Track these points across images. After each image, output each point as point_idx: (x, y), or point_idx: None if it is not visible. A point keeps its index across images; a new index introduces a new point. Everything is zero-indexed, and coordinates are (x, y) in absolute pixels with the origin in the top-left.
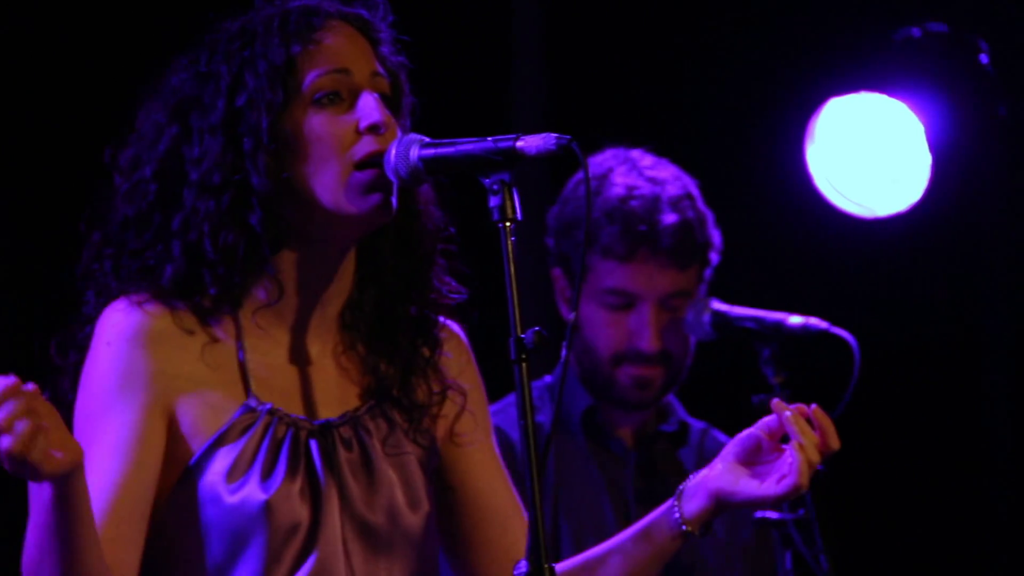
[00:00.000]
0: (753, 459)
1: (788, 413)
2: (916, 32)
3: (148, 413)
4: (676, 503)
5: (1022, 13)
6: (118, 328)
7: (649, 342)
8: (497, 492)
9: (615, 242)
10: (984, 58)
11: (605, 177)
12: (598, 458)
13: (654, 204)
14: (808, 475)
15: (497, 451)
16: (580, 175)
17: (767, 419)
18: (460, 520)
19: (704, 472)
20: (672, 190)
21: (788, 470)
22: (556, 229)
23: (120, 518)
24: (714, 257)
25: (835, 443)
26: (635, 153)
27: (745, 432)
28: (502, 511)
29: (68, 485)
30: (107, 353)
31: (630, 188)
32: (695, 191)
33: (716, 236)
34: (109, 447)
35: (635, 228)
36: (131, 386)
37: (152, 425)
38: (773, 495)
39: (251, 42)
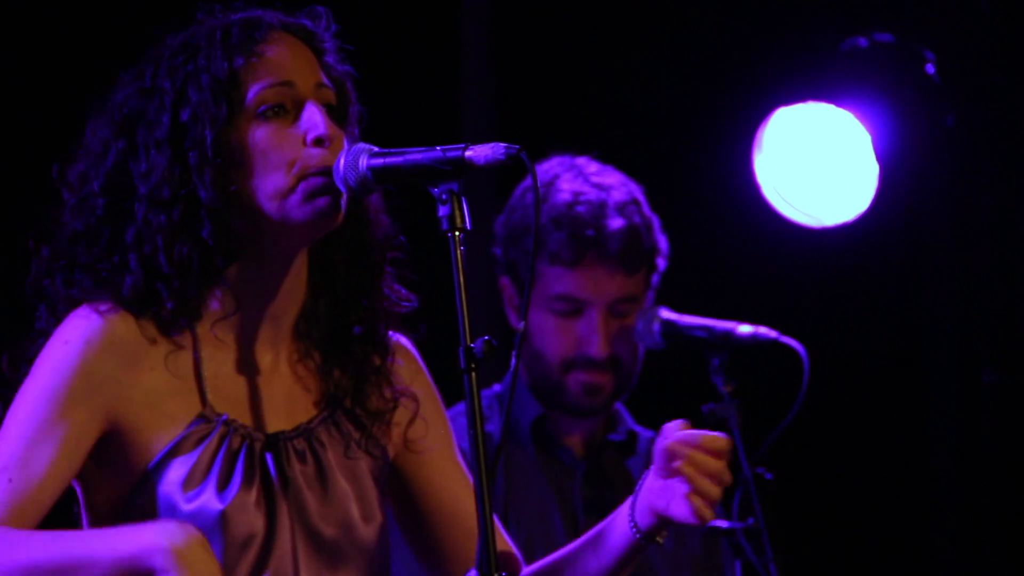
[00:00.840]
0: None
1: (676, 463)
2: (863, 42)
3: (93, 417)
4: (631, 515)
5: (968, 23)
6: (79, 331)
7: (598, 348)
8: (460, 497)
9: (562, 248)
10: (930, 68)
11: (551, 184)
12: (547, 468)
13: (600, 209)
14: (705, 508)
15: (459, 456)
16: (527, 183)
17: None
18: (427, 528)
19: (645, 484)
20: (618, 195)
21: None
22: (504, 237)
23: (23, 510)
24: (661, 263)
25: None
26: (581, 160)
27: (659, 445)
28: (467, 515)
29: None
30: (63, 351)
31: (576, 194)
32: (641, 197)
33: (663, 242)
34: (48, 439)
35: (582, 233)
36: (83, 387)
37: (87, 431)
38: (691, 521)
39: (194, 56)
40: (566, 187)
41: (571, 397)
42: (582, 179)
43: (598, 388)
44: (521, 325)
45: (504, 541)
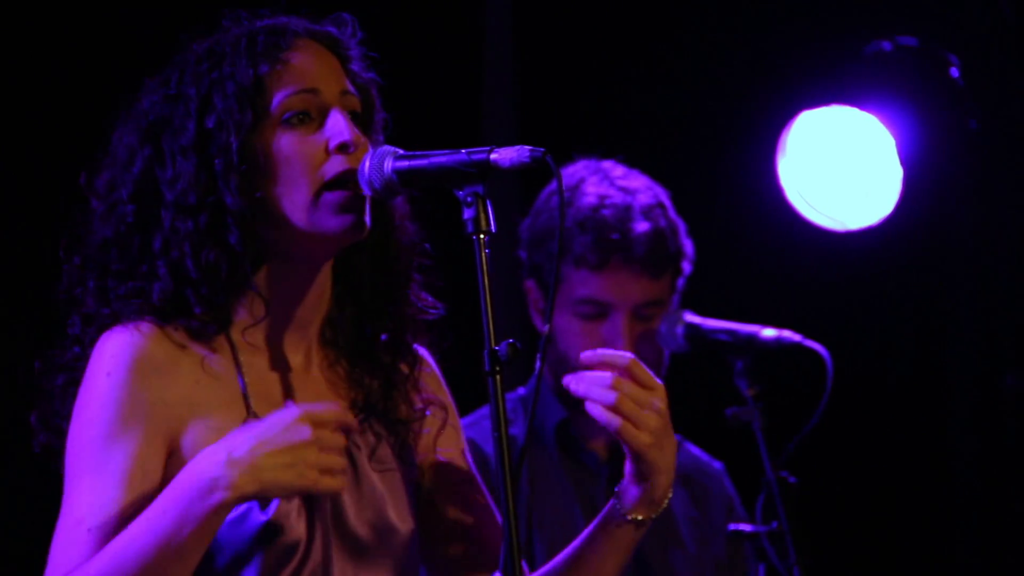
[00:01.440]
0: None
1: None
2: (887, 46)
3: (150, 443)
4: (616, 502)
5: (991, 27)
6: (118, 358)
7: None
8: (473, 507)
9: (587, 251)
10: (954, 72)
11: (577, 187)
12: (571, 471)
13: (626, 213)
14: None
15: (472, 466)
16: (552, 187)
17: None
18: (438, 536)
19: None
20: (644, 199)
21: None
22: (529, 241)
23: None
24: (686, 267)
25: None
26: (607, 164)
27: None
28: (478, 526)
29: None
30: (108, 383)
31: (602, 197)
32: (666, 200)
33: (688, 245)
34: (113, 476)
35: (607, 237)
36: (133, 416)
37: (154, 456)
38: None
39: (219, 63)
40: (592, 190)
41: None
42: (608, 183)
43: None
44: (546, 328)
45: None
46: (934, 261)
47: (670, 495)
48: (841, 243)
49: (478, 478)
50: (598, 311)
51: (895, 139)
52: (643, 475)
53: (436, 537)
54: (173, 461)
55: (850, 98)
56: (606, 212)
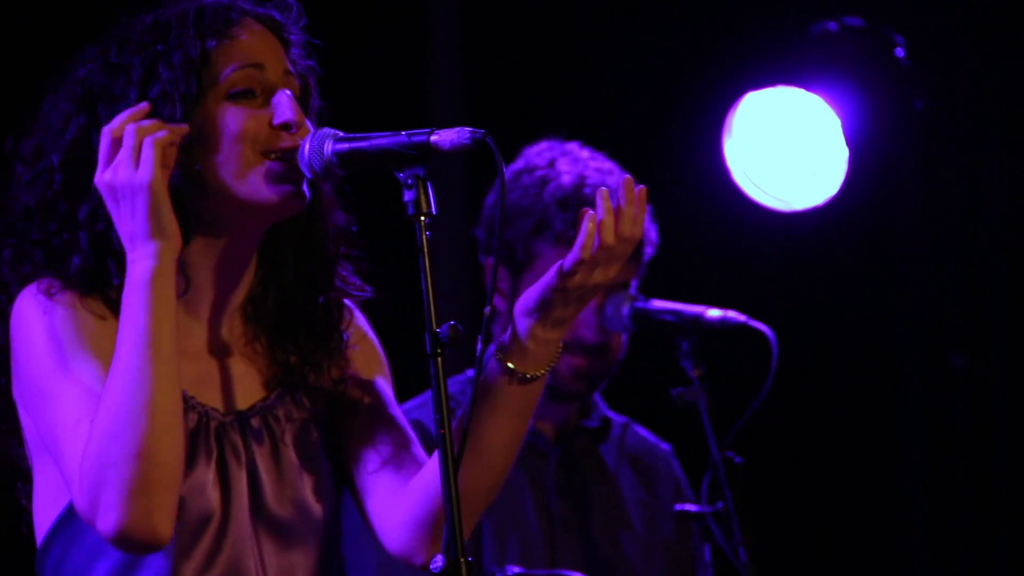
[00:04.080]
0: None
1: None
2: (832, 26)
3: (104, 360)
4: (495, 354)
5: (938, 7)
6: (47, 301)
7: (595, 332)
8: (380, 432)
9: (569, 229)
10: (900, 52)
11: (551, 166)
12: (520, 452)
13: None
14: (590, 247)
15: (386, 397)
16: (517, 165)
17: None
18: (353, 467)
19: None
20: (618, 179)
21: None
22: (492, 218)
23: None
24: (650, 251)
25: (628, 228)
26: (571, 145)
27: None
28: (388, 446)
29: (172, 259)
30: (47, 320)
31: (581, 177)
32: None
33: (654, 230)
34: (91, 374)
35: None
36: (82, 335)
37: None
38: (558, 274)
39: (165, 35)
40: (568, 169)
41: (558, 380)
42: (582, 163)
43: (587, 373)
44: (488, 309)
45: (407, 437)
46: (881, 241)
47: (550, 363)
48: (787, 223)
49: (389, 405)
50: None
51: (841, 119)
52: (543, 311)
53: (355, 474)
54: None
55: (796, 78)
56: (588, 191)
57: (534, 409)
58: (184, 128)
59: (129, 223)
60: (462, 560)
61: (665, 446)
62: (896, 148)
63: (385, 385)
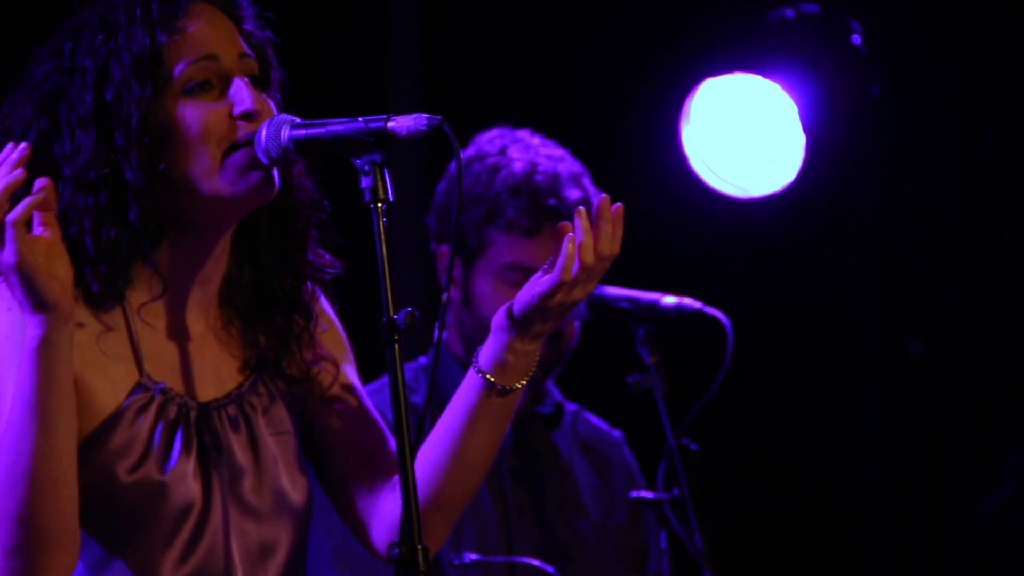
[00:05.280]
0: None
1: (579, 215)
2: (789, 13)
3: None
4: (473, 366)
5: None
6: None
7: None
8: (357, 427)
9: (521, 215)
10: (857, 39)
11: (502, 153)
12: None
13: (557, 180)
14: (570, 270)
15: (357, 385)
16: (471, 152)
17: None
18: (330, 462)
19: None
20: (570, 167)
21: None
22: (444, 205)
23: None
24: None
25: (607, 246)
26: (522, 132)
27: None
28: (366, 443)
29: (61, 329)
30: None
31: (532, 164)
32: (585, 169)
33: None
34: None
35: (543, 202)
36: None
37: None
38: (539, 292)
39: (114, 33)
40: (519, 156)
41: None
42: (533, 150)
43: (540, 360)
44: (445, 297)
45: (386, 440)
46: (837, 228)
47: (529, 374)
48: (744, 210)
49: (362, 397)
50: (525, 277)
51: (798, 106)
52: (522, 327)
53: (329, 465)
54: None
55: (753, 65)
56: (539, 178)
57: (512, 415)
58: (47, 183)
59: (17, 295)
60: (419, 547)
61: (617, 433)
62: (853, 135)
63: (354, 374)
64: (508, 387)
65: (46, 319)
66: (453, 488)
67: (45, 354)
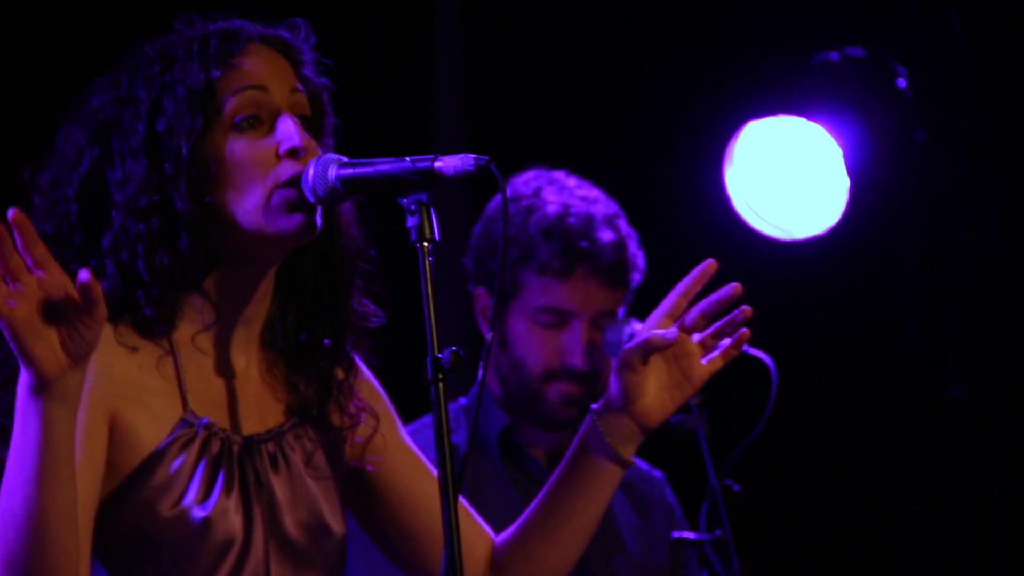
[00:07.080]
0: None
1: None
2: (834, 56)
3: (92, 414)
4: (598, 435)
5: (939, 38)
6: None
7: (583, 360)
8: (416, 483)
9: (554, 259)
10: (902, 82)
11: (536, 195)
12: (514, 478)
13: (590, 222)
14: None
15: (410, 444)
16: (508, 194)
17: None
18: (393, 523)
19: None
20: (604, 209)
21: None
22: (482, 247)
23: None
24: (637, 277)
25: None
26: (558, 173)
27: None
28: (428, 499)
29: (51, 390)
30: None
31: (566, 206)
32: (620, 211)
33: (640, 257)
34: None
35: (575, 245)
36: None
37: (97, 426)
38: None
39: (170, 66)
40: (553, 199)
41: (549, 408)
42: (567, 192)
43: (577, 399)
44: (489, 337)
45: (474, 521)
46: (881, 271)
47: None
48: (788, 252)
49: (417, 454)
50: (559, 320)
51: (842, 149)
52: (649, 412)
53: (392, 526)
54: (112, 437)
55: (798, 108)
56: (572, 220)
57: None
58: (27, 226)
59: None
60: None
61: (658, 473)
62: (897, 178)
63: (398, 422)
64: (623, 457)
65: (31, 371)
66: (560, 561)
67: (37, 406)
